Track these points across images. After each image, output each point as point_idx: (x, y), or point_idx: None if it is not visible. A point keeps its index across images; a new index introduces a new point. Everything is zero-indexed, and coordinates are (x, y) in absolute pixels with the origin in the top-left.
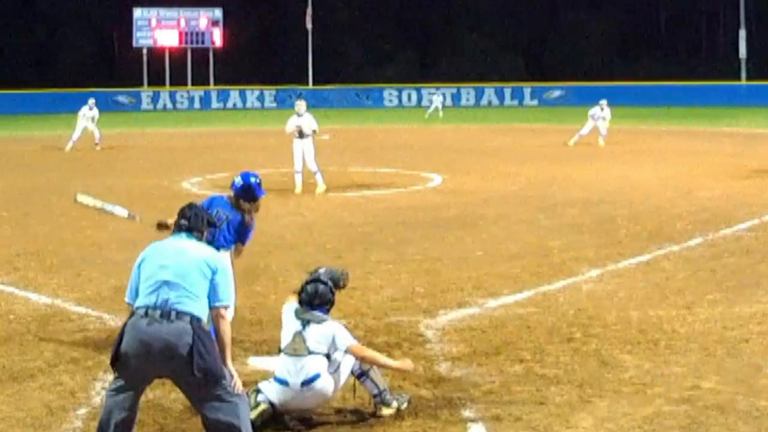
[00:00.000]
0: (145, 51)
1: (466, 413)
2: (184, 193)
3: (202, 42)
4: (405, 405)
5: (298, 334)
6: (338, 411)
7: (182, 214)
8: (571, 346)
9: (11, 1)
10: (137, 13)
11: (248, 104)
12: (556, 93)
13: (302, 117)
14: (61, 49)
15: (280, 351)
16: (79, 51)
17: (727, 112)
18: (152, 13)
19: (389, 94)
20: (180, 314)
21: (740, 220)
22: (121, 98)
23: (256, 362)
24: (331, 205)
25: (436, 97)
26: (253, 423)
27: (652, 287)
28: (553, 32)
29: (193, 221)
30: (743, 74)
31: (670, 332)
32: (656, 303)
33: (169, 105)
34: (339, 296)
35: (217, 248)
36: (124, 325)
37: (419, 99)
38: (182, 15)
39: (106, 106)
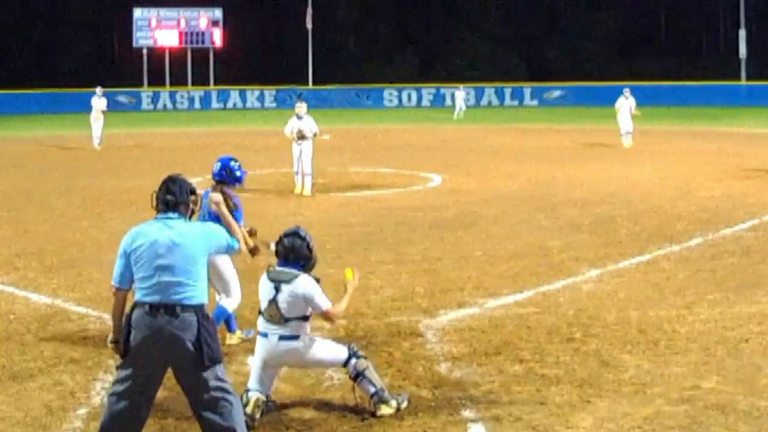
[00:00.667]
0: (145, 51)
1: (466, 413)
2: None
3: (202, 42)
4: (405, 403)
5: (272, 302)
6: (338, 411)
7: (167, 189)
8: (571, 346)
9: (11, 1)
10: (137, 13)
11: (248, 104)
12: (556, 93)
13: (302, 119)
14: (61, 49)
15: (260, 312)
16: (79, 51)
17: (727, 112)
18: (152, 13)
19: (389, 94)
20: (185, 308)
21: (740, 220)
22: (121, 98)
23: None
24: (331, 205)
25: (459, 93)
26: (252, 416)
27: (652, 287)
28: (554, 32)
29: (179, 195)
30: (743, 74)
31: (670, 332)
32: (656, 303)
33: (169, 105)
34: (339, 296)
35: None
36: (128, 318)
37: (419, 99)
38: (182, 15)
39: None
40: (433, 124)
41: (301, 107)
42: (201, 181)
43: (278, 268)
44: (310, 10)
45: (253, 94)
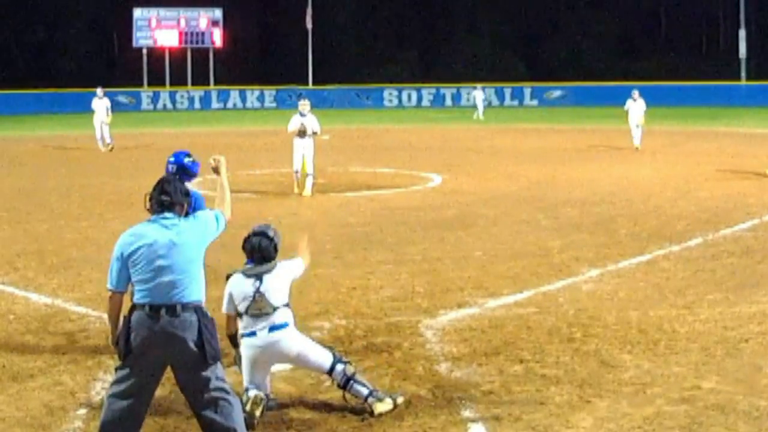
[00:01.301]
0: (145, 51)
1: (466, 413)
2: None
3: (202, 42)
4: (400, 399)
5: (258, 293)
6: (338, 411)
7: (162, 189)
8: (571, 346)
9: (11, 1)
10: (137, 13)
11: (248, 104)
12: (557, 93)
13: (305, 117)
14: (61, 49)
15: (239, 314)
16: (79, 51)
17: (727, 112)
18: (152, 13)
19: (389, 94)
20: (185, 306)
21: (740, 220)
22: (121, 98)
23: None
24: (331, 205)
25: (477, 93)
26: (251, 414)
27: (652, 287)
28: (554, 32)
29: (174, 196)
30: (743, 74)
31: (670, 332)
32: (656, 303)
33: (169, 105)
34: (339, 296)
35: None
36: (128, 320)
37: (419, 99)
38: (182, 15)
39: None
40: (433, 125)
41: (305, 105)
42: (201, 181)
43: (251, 266)
44: (310, 10)
45: (253, 94)
